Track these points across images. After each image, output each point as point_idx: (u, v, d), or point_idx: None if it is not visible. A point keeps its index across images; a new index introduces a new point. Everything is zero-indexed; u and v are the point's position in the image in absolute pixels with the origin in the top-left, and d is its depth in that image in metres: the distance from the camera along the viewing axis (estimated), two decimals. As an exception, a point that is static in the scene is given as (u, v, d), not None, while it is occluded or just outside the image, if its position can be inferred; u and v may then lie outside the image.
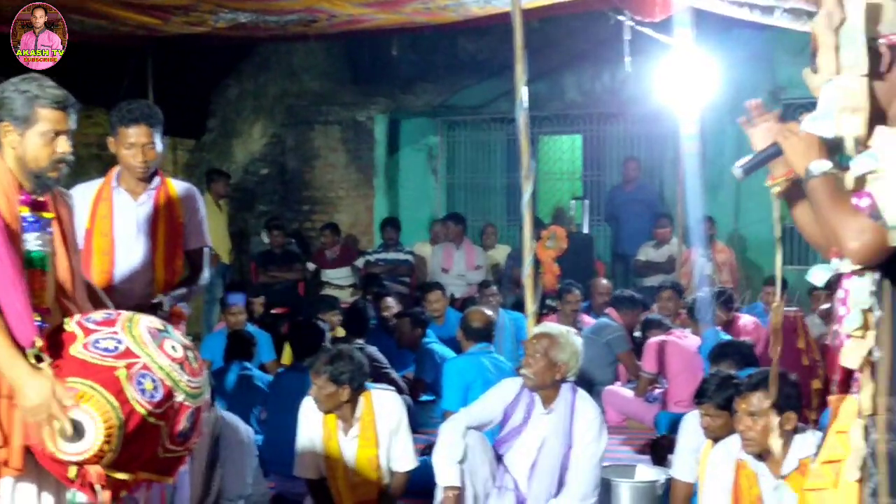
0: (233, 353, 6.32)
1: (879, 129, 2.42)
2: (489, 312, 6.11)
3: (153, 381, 2.87)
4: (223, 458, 4.67)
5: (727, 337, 6.32)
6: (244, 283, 9.21)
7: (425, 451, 5.26)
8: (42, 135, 2.98)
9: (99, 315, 3.02)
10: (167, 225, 4.04)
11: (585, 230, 10.47)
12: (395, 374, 6.49)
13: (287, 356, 7.03)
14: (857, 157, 2.43)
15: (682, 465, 4.53)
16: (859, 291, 2.46)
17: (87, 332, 2.91)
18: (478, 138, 12.01)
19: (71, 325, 2.94)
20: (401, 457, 4.68)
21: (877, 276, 2.43)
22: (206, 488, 4.61)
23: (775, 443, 3.80)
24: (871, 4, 2.42)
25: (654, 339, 6.81)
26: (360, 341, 6.50)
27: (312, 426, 4.68)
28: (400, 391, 6.26)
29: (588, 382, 6.51)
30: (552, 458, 4.45)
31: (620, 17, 7.23)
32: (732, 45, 9.81)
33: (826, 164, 2.44)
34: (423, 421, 6.37)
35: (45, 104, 2.98)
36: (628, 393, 6.94)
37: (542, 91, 10.92)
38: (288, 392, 5.45)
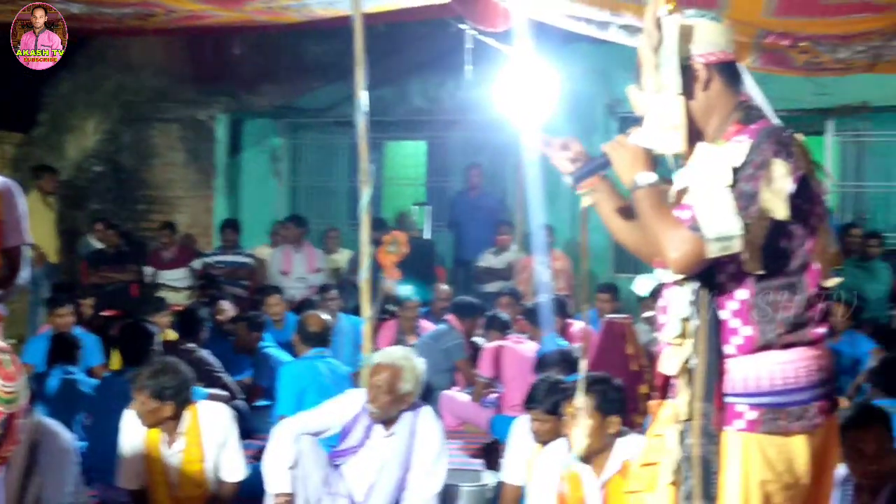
0: (56, 356, 6.05)
1: (700, 146, 2.53)
2: (326, 316, 6.06)
3: None
4: (42, 466, 4.45)
5: (565, 343, 6.47)
6: (73, 284, 8.85)
7: (258, 455, 5.16)
8: None
9: None
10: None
11: (428, 236, 10.53)
12: (228, 379, 6.35)
13: (116, 360, 6.78)
14: (677, 171, 2.54)
15: (512, 469, 4.60)
16: (679, 301, 2.55)
17: None
18: (322, 141, 11.93)
19: None
20: (230, 468, 4.58)
21: (696, 286, 2.51)
22: (21, 497, 4.39)
23: (578, 442, 3.87)
24: (684, 26, 2.52)
25: (490, 345, 6.90)
26: (192, 345, 6.34)
27: (134, 437, 4.53)
28: (233, 396, 6.15)
29: (426, 388, 6.53)
30: (390, 482, 4.45)
31: (462, 26, 7.30)
32: (571, 58, 10.05)
33: (652, 177, 2.52)
34: (258, 426, 6.25)
35: None
36: (465, 398, 7.00)
37: (388, 96, 10.94)
38: (114, 397, 5.24)
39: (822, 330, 2.52)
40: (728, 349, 2.50)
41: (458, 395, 7.07)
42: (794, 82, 9.54)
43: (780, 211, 2.39)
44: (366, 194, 5.12)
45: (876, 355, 6.59)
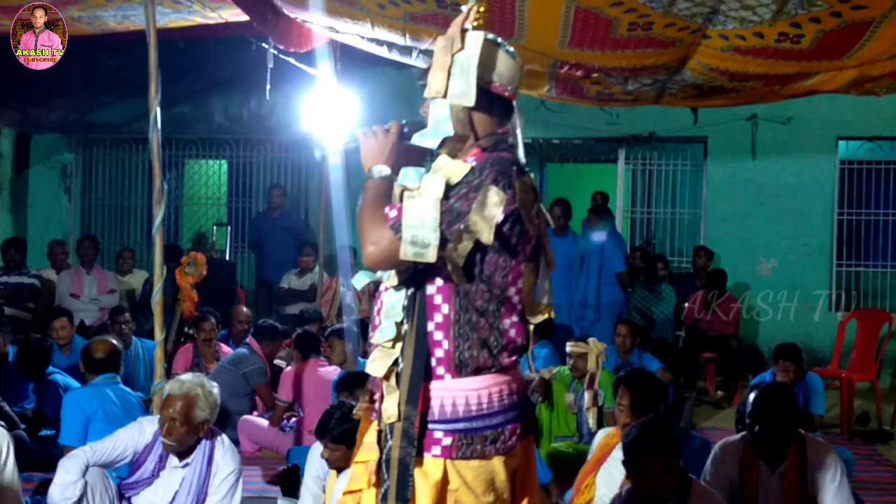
0: None
1: (441, 157, 2.61)
2: (113, 341, 5.81)
3: None
4: None
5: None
6: None
7: (42, 488, 4.88)
8: None
9: None
10: None
11: (228, 257, 10.30)
12: (7, 408, 5.98)
13: None
14: (405, 170, 2.59)
15: (307, 495, 4.53)
16: (393, 304, 2.62)
17: None
18: (117, 158, 11.51)
19: None
20: (5, 492, 4.29)
21: (410, 292, 2.59)
22: None
23: None
24: (487, 48, 2.59)
25: (290, 368, 6.81)
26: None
27: None
28: (13, 426, 5.79)
29: (223, 412, 6.37)
30: None
31: (264, 45, 7.21)
32: (376, 81, 10.14)
33: (386, 170, 2.62)
34: (41, 458, 5.91)
35: None
36: (263, 422, 6.87)
37: (188, 114, 10.70)
38: None
39: (514, 357, 2.63)
40: (431, 361, 2.56)
41: (257, 420, 6.93)
42: (590, 112, 9.97)
43: (486, 235, 2.46)
44: (160, 213, 4.94)
45: (662, 374, 6.91)
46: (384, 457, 2.55)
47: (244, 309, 8.56)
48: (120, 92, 10.65)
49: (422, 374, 2.53)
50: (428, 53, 6.61)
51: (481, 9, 2.67)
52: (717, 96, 6.63)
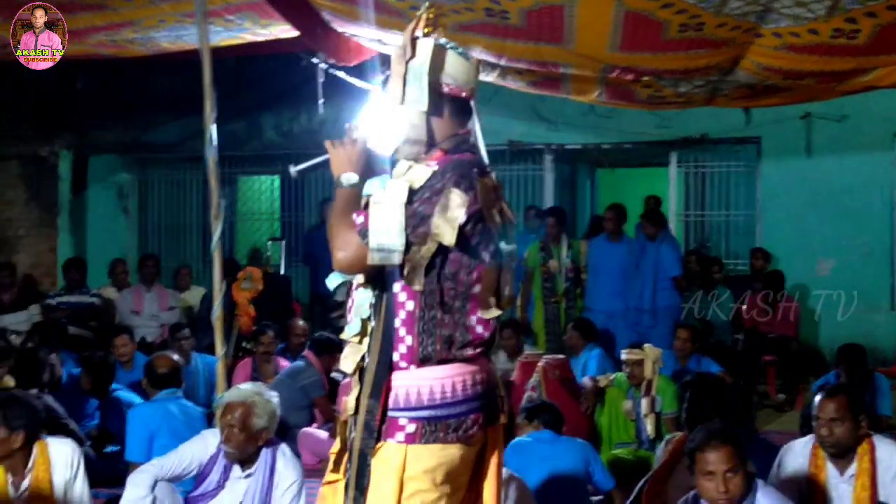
0: None
1: (401, 162, 2.71)
2: (175, 357, 5.88)
3: None
4: None
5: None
6: None
7: (110, 504, 4.96)
8: None
9: None
10: None
11: (283, 271, 10.39)
12: (73, 426, 6.06)
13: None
14: (370, 180, 2.71)
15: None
16: (361, 302, 2.72)
17: None
18: (172, 177, 11.67)
19: None
20: (77, 505, 4.38)
21: (377, 291, 2.68)
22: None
23: None
24: (437, 51, 2.67)
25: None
26: (34, 391, 6.03)
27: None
28: (80, 443, 5.88)
29: (283, 425, 6.41)
30: None
31: (314, 60, 7.27)
32: (424, 92, 10.15)
33: (353, 178, 2.71)
34: (107, 474, 5.99)
35: None
36: (323, 434, 6.90)
37: (241, 131, 10.83)
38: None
39: (478, 350, 2.69)
40: (395, 356, 2.64)
41: (317, 433, 6.96)
42: (639, 116, 9.91)
43: (448, 237, 2.54)
44: (217, 230, 5.00)
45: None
46: (348, 447, 2.67)
47: (300, 322, 8.62)
48: (173, 111, 10.82)
49: (386, 370, 2.63)
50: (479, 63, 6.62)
51: (430, 15, 2.76)
52: (771, 95, 6.56)
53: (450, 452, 2.64)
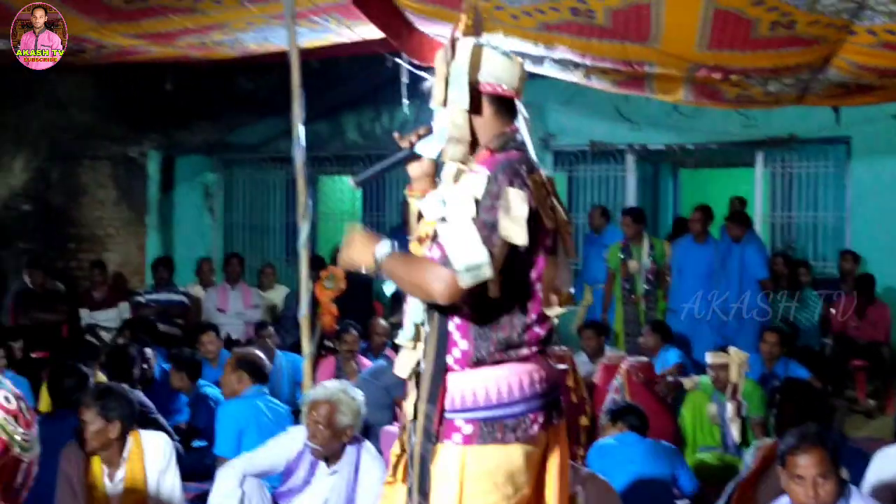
0: (-17, 401, 5.84)
1: (447, 166, 2.72)
2: (260, 354, 5.97)
3: None
4: None
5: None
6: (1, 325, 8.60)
7: (195, 500, 5.05)
8: None
9: None
10: None
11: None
12: (162, 420, 6.19)
13: (46, 403, 6.58)
14: (427, 198, 2.75)
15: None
16: (414, 307, 2.72)
17: None
18: (256, 177, 11.85)
19: None
20: (169, 498, 4.47)
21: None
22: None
23: None
24: (476, 51, 2.68)
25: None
26: (125, 386, 6.17)
27: (74, 474, 4.40)
28: (171, 438, 6.00)
29: (366, 424, 6.45)
30: None
31: (398, 60, 7.32)
32: (506, 92, 10.14)
33: (386, 245, 2.71)
34: (195, 468, 6.11)
35: None
36: (403, 433, 6.93)
37: (323, 131, 10.93)
38: (46, 440, 5.07)
39: (534, 349, 2.67)
40: (448, 360, 2.64)
41: (395, 430, 6.99)
42: (725, 115, 9.75)
43: (519, 237, 2.53)
44: (304, 229, 5.05)
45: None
46: (409, 452, 2.67)
47: (382, 322, 8.67)
48: (258, 112, 10.99)
49: (441, 374, 2.62)
50: (561, 62, 6.59)
51: (469, 22, 2.78)
52: (864, 94, 6.41)
53: (509, 453, 2.62)
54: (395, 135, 2.89)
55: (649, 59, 5.92)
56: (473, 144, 2.72)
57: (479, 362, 2.62)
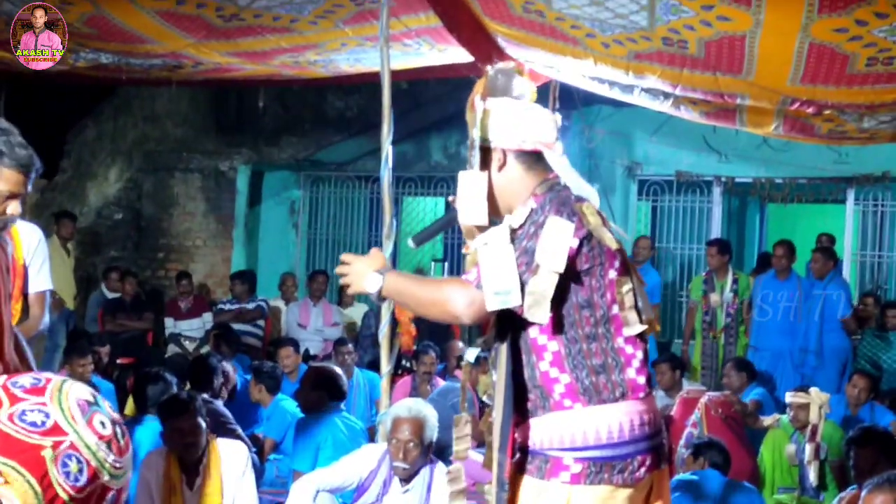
0: (71, 404, 6.00)
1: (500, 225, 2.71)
2: (338, 370, 6.03)
3: (79, 461, 2.62)
4: None
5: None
6: (88, 332, 8.83)
7: (272, 510, 5.12)
8: None
9: (27, 380, 2.75)
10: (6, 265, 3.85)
11: (444, 292, 10.49)
12: (240, 431, 6.29)
13: (130, 408, 6.74)
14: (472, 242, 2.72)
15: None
16: (470, 355, 2.81)
17: (14, 399, 2.63)
18: (341, 195, 11.98)
19: None
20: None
21: (495, 345, 2.70)
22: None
23: None
24: (484, 111, 2.71)
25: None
26: (206, 395, 6.29)
27: (153, 480, 4.50)
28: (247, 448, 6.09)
29: (438, 446, 6.47)
30: None
31: (487, 85, 7.35)
32: (593, 119, 10.13)
33: (386, 267, 2.75)
34: (270, 480, 6.19)
35: (10, 164, 2.77)
36: (477, 457, 6.90)
37: (408, 152, 11.02)
38: (128, 446, 5.21)
39: (641, 379, 2.66)
40: (554, 397, 2.63)
41: (471, 454, 6.97)
42: (816, 150, 9.57)
43: (556, 264, 2.54)
44: (388, 248, 5.10)
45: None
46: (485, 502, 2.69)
47: (460, 344, 8.70)
48: (346, 131, 11.15)
49: (510, 421, 2.62)
50: (650, 92, 6.56)
51: (486, 83, 2.77)
52: (965, 133, 6.25)
53: (614, 495, 2.59)
54: (451, 199, 2.87)
55: (742, 90, 5.86)
56: (506, 205, 2.74)
57: (586, 391, 2.61)
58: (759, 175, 10.44)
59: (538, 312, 2.56)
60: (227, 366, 7.24)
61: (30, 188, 2.92)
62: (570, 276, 2.59)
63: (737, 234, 11.47)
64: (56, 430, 2.61)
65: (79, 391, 2.76)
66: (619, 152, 10.37)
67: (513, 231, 2.61)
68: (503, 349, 2.66)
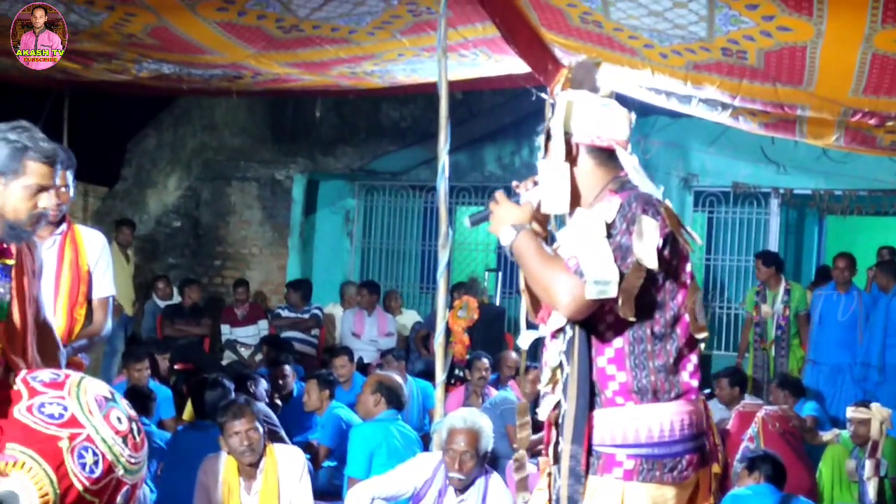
0: (131, 408, 6.11)
1: (578, 211, 2.76)
2: (398, 379, 6.04)
3: (94, 454, 2.70)
4: None
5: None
6: (147, 337, 8.98)
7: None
8: (26, 188, 2.84)
9: (46, 375, 2.84)
10: (72, 271, 3.94)
11: (497, 302, 10.50)
12: (283, 434, 6.31)
13: (188, 413, 6.83)
14: (559, 231, 2.80)
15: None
16: (551, 352, 2.75)
17: (33, 392, 2.72)
18: (395, 204, 12.04)
19: (17, 382, 2.75)
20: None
21: (569, 337, 2.68)
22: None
23: None
24: (569, 105, 2.75)
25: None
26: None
27: (212, 485, 4.55)
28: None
29: (492, 456, 6.46)
30: None
31: (543, 95, 7.36)
32: (649, 130, 10.07)
33: (526, 224, 2.74)
34: (325, 488, 6.23)
35: (35, 158, 2.84)
36: (531, 468, 6.89)
37: (463, 162, 11.04)
38: (186, 450, 5.29)
39: (694, 382, 2.71)
40: (606, 394, 2.66)
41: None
42: (876, 162, 9.44)
43: (651, 262, 2.57)
44: (444, 258, 5.12)
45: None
46: (555, 496, 2.67)
47: (513, 354, 8.67)
48: (401, 141, 11.20)
49: (585, 414, 2.63)
50: (708, 102, 6.52)
51: (568, 75, 2.83)
52: None
53: (664, 493, 2.64)
54: (514, 183, 2.91)
55: (802, 102, 5.79)
56: (577, 196, 2.76)
57: (641, 391, 2.64)
58: (818, 187, 10.30)
59: (627, 308, 2.59)
60: (288, 368, 7.34)
61: (58, 181, 2.97)
62: (650, 275, 2.62)
63: (795, 246, 11.32)
64: (73, 422, 2.67)
65: (97, 387, 2.83)
66: (674, 163, 10.30)
67: (606, 225, 2.63)
68: (576, 341, 2.66)
